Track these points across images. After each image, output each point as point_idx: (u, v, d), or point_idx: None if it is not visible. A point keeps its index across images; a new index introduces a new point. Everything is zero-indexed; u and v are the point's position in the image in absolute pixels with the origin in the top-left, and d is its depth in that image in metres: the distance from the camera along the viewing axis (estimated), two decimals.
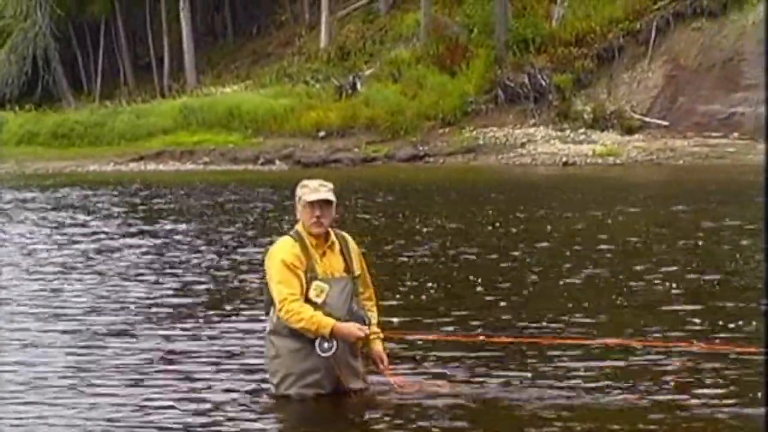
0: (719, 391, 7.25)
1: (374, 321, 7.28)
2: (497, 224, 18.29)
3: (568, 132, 40.29)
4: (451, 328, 9.46)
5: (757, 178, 27.94)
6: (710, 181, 27.96)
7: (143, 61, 65.18)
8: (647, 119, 39.93)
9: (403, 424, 6.71)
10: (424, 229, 17.86)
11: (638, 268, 12.68)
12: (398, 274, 12.67)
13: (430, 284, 12.00)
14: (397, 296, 11.10)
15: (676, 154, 36.68)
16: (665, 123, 39.49)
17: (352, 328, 6.89)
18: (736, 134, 37.90)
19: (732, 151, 36.41)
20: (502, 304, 10.67)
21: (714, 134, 38.25)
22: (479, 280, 12.08)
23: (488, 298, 11.05)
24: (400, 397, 7.20)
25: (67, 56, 63.50)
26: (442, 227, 18.28)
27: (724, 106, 38.87)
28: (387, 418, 6.82)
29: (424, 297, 11.26)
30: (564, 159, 37.06)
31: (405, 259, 14.19)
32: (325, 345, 6.88)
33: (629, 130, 39.57)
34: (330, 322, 6.84)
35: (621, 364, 8.01)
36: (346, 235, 7.34)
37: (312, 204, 7.05)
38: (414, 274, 12.72)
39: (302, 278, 6.95)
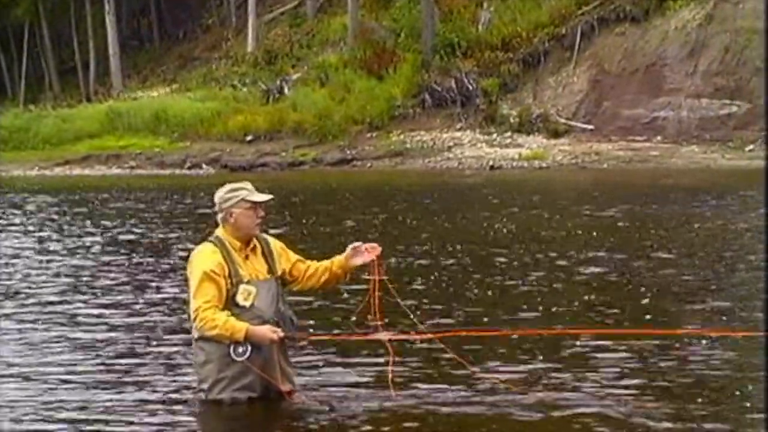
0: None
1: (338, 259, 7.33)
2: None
3: (494, 136, 40.58)
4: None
5: (680, 181, 28.54)
6: (634, 184, 28.33)
7: (68, 66, 64.55)
8: (572, 123, 40.32)
9: (336, 426, 6.77)
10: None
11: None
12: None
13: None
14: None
15: (600, 158, 37.07)
16: (590, 127, 39.90)
17: (266, 331, 6.86)
18: (659, 138, 38.40)
19: (655, 154, 36.88)
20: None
21: (638, 138, 38.71)
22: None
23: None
24: (333, 399, 7.24)
25: None
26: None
27: (647, 111, 39.36)
28: (320, 420, 6.88)
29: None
30: (490, 163, 37.31)
31: None
32: (240, 349, 6.88)
33: (555, 134, 39.93)
34: (243, 326, 6.83)
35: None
36: (266, 236, 7.35)
37: (258, 204, 7.09)
38: None
39: (222, 285, 6.92)
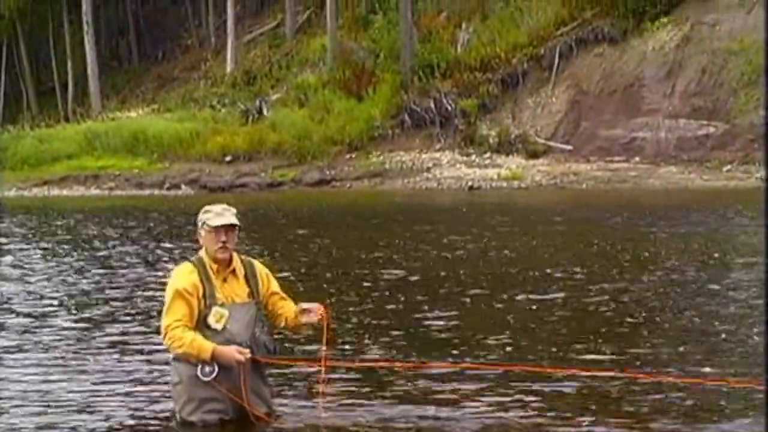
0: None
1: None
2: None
3: (473, 156, 40.64)
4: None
5: (656, 200, 28.62)
6: (612, 204, 28.37)
7: (47, 86, 64.51)
8: (551, 143, 40.40)
9: None
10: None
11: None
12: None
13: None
14: None
15: (579, 178, 37.16)
16: (569, 147, 39.99)
17: (232, 351, 6.81)
18: (637, 159, 38.51)
19: (634, 175, 36.99)
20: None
21: (616, 158, 38.82)
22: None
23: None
24: (304, 422, 7.18)
25: None
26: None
27: (625, 131, 39.49)
28: None
29: None
30: (469, 183, 37.39)
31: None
32: (207, 369, 6.84)
33: (533, 155, 40.02)
34: (210, 346, 6.80)
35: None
36: (252, 260, 7.30)
37: (217, 229, 6.99)
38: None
39: (194, 305, 6.89)
